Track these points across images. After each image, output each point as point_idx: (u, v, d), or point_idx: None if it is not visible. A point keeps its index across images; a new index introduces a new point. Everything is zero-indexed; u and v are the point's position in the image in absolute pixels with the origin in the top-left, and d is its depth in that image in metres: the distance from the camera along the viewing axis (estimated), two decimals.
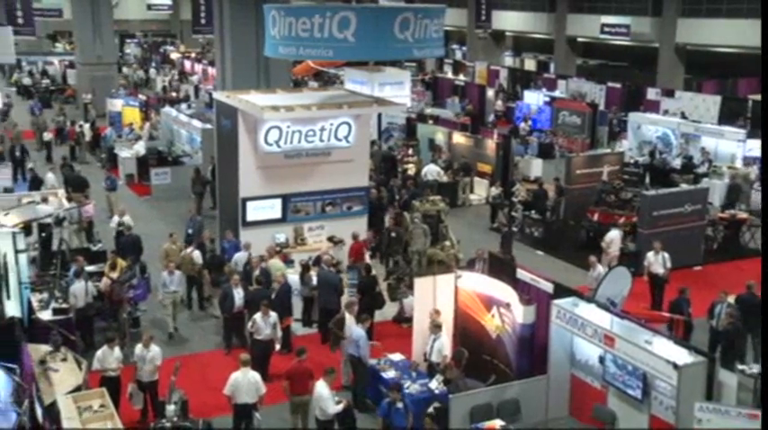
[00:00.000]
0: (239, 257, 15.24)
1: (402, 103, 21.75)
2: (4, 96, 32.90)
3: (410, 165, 24.04)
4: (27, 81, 43.38)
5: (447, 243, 16.38)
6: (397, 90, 26.65)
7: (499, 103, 36.05)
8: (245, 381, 10.75)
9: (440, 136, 25.79)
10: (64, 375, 10.36)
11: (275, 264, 14.88)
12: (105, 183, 21.56)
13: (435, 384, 11.58)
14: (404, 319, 14.91)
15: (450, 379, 11.71)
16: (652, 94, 32.93)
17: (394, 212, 18.36)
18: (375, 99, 18.22)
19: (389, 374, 11.99)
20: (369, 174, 18.40)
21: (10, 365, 8.19)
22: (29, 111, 32.99)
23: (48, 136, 28.59)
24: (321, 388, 10.59)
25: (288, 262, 15.41)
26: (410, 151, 24.95)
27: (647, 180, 23.43)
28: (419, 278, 13.10)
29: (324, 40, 13.97)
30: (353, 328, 12.13)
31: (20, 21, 37.19)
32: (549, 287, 11.77)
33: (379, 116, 26.19)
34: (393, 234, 17.35)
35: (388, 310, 15.15)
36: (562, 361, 11.51)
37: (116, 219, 17.73)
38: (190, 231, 17.07)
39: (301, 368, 11.17)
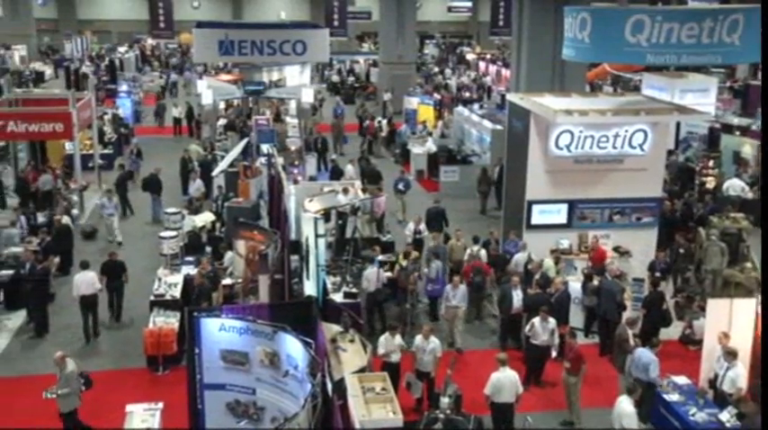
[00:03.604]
0: (519, 258, 15.26)
1: (706, 112, 20.31)
2: (316, 92, 35.76)
3: (709, 178, 22.38)
4: (335, 78, 46.86)
5: (748, 264, 15.14)
6: (701, 97, 24.84)
7: None
8: (506, 381, 10.82)
9: (747, 148, 23.70)
10: (351, 355, 11.01)
11: (546, 262, 14.80)
12: (398, 184, 21.49)
13: (727, 416, 10.63)
14: (691, 341, 13.95)
15: (745, 413, 10.70)
16: None
17: (688, 227, 17.20)
18: (675, 106, 17.19)
19: (673, 397, 11.30)
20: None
21: (307, 340, 8.89)
22: (332, 113, 35.47)
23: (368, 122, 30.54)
24: (626, 404, 10.00)
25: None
26: (710, 163, 23.17)
27: None
28: (714, 299, 12.17)
29: (570, 40, 14.83)
30: (643, 352, 11.45)
31: (335, 23, 40.53)
32: None
33: (678, 124, 24.69)
34: (682, 250, 16.26)
35: (674, 329, 14.26)
36: None
37: (411, 226, 17.57)
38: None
39: (577, 348, 11.73)
